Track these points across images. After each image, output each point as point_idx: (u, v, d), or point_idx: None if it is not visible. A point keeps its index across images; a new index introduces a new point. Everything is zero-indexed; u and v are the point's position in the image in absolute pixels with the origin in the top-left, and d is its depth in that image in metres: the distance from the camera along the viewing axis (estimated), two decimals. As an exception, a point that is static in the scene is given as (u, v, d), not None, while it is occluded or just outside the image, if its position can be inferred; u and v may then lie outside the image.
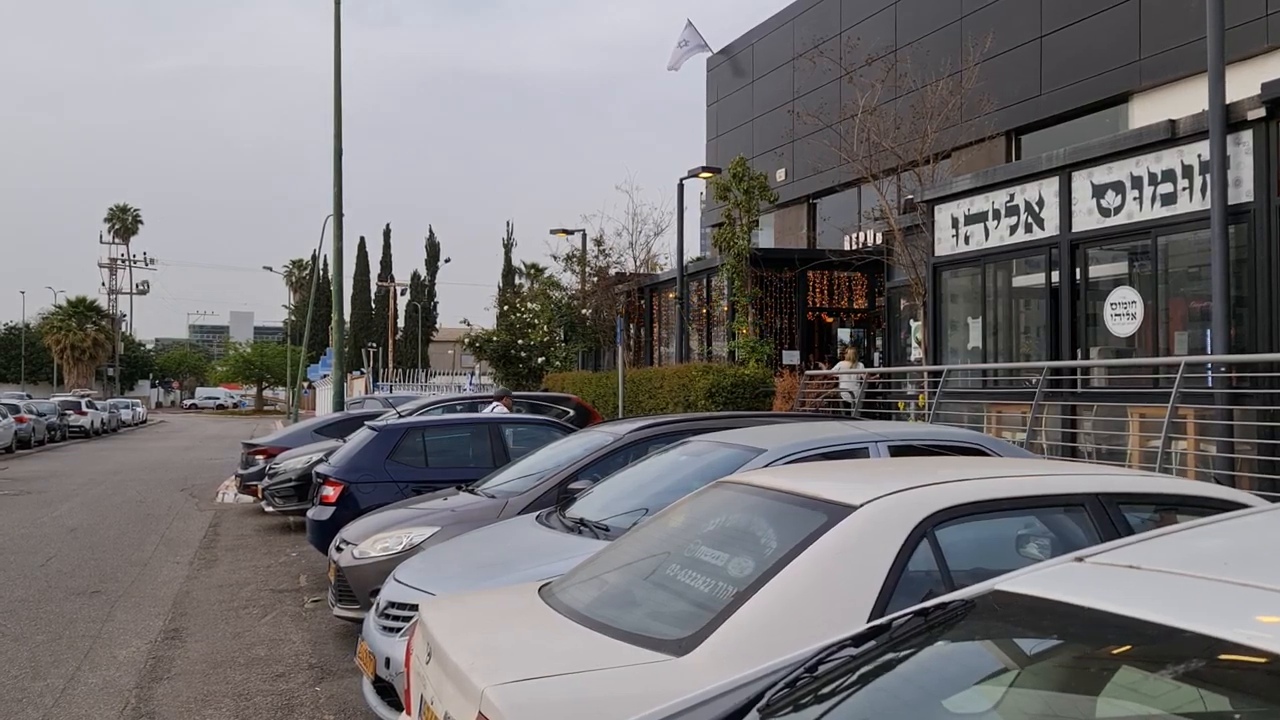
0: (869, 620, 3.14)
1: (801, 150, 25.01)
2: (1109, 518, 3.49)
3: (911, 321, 15.19)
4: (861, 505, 3.40)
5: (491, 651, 3.31)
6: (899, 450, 6.57)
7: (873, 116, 13.69)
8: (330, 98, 22.96)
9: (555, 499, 8.09)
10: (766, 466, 6.20)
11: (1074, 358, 11.18)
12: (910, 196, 16.82)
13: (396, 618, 5.84)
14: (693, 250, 34.34)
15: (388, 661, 5.60)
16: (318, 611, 9.49)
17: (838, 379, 16.10)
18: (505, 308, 31.86)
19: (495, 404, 15.41)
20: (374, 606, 6.16)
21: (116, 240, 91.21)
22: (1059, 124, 18.84)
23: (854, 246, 22.64)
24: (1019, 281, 12.46)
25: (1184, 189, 10.04)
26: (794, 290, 20.50)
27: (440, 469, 10.62)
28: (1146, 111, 16.85)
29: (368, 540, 8.16)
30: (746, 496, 4.11)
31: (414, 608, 5.78)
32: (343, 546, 8.36)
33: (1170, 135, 10.13)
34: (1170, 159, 10.21)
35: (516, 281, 64.48)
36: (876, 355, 20.52)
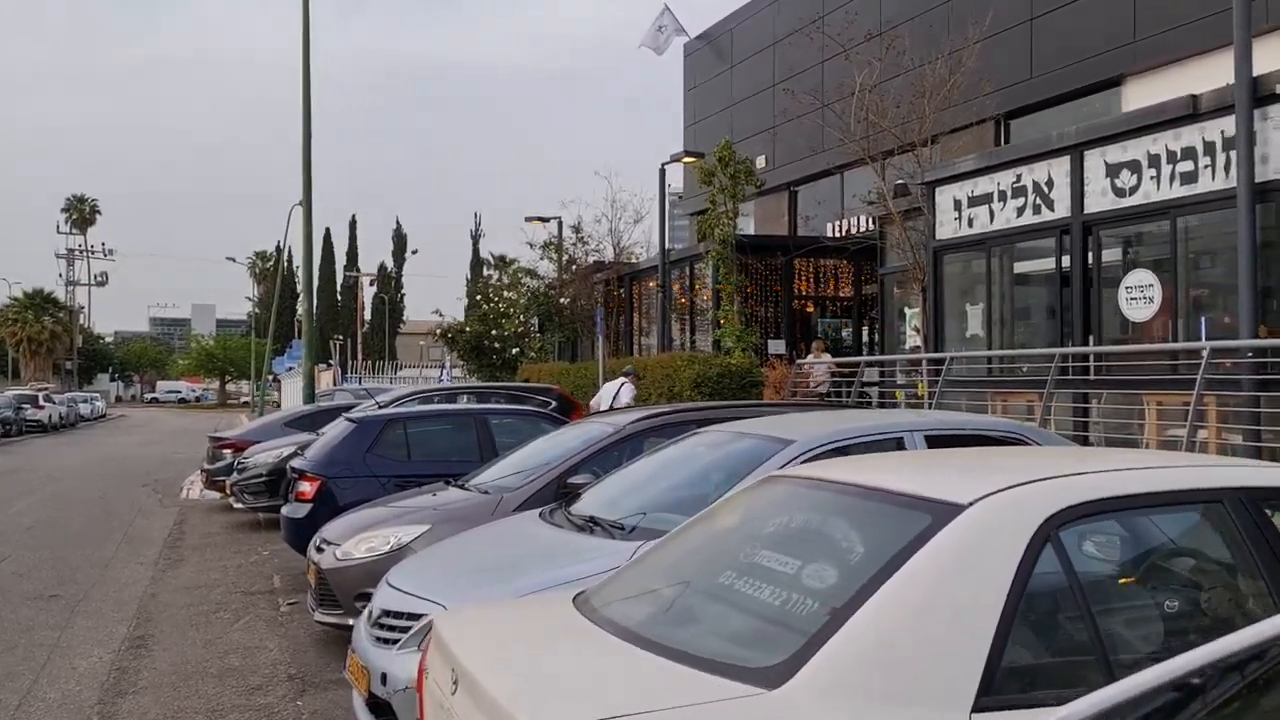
0: (991, 641, 2.60)
1: (785, 135, 24.52)
2: (1251, 517, 2.97)
3: (907, 309, 14.72)
4: (971, 504, 2.86)
5: (539, 683, 2.74)
6: (936, 441, 6.06)
7: (871, 95, 13.18)
8: (295, 83, 22.17)
9: (554, 494, 7.57)
10: (798, 459, 5.68)
11: (1085, 344, 10.74)
12: (902, 180, 16.36)
13: (393, 628, 5.25)
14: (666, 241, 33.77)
15: (384, 677, 5.01)
16: (295, 615, 8.87)
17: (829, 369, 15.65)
18: (478, 297, 31.12)
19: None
20: (366, 615, 5.57)
21: (74, 231, 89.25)
22: (1050, 108, 18.44)
23: (837, 234, 22.19)
24: (1026, 265, 12.03)
25: (1205, 167, 9.61)
26: (780, 278, 20.00)
27: (424, 463, 10.04)
28: (1140, 95, 16.46)
29: (351, 540, 7.56)
30: (813, 493, 3.56)
31: (412, 617, 5.21)
32: (324, 547, 7.75)
33: (1191, 111, 9.70)
34: (1190, 136, 9.77)
35: (485, 273, 63.69)
36: (865, 345, 20.10)
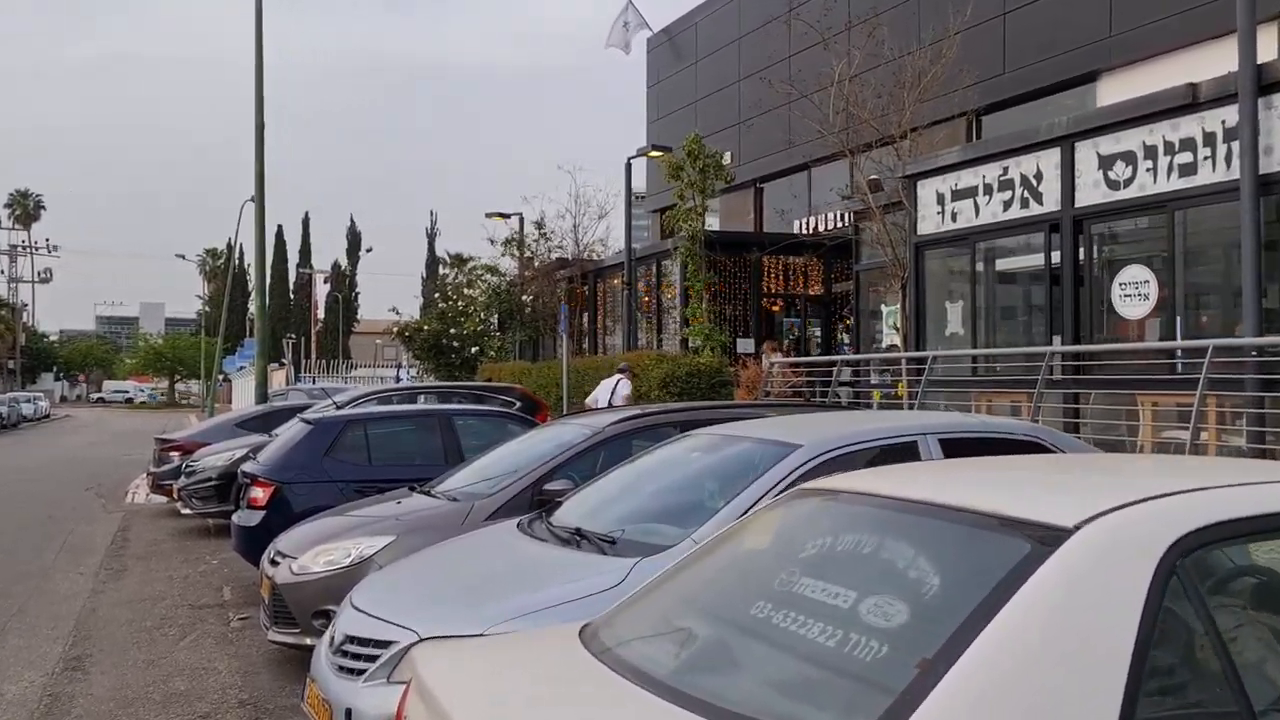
0: (1122, 698, 2.10)
1: (752, 131, 24.09)
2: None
3: (883, 306, 14.31)
4: (1078, 527, 2.36)
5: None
6: (951, 444, 5.59)
7: (851, 84, 12.74)
8: (248, 80, 21.36)
9: (530, 502, 7.04)
10: (807, 465, 5.18)
11: (1076, 343, 10.36)
12: (875, 176, 15.96)
13: (359, 656, 4.67)
14: (621, 240, 33.24)
15: (349, 713, 4.44)
16: (246, 631, 8.25)
17: (803, 369, 15.22)
18: (436, 295, 30.35)
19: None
20: (327, 640, 4.98)
21: (17, 226, 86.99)
22: (1022, 104, 18.13)
23: (806, 231, 21.78)
24: (1013, 261, 11.64)
25: (1205, 158, 9.26)
26: (749, 276, 19.52)
27: (386, 466, 9.47)
28: (1116, 91, 16.18)
29: (308, 552, 6.97)
30: (862, 510, 3.04)
31: (380, 644, 4.63)
32: (278, 559, 7.15)
33: (1190, 100, 9.35)
34: (1189, 126, 9.41)
35: (441, 271, 62.81)
36: (837, 344, 19.71)
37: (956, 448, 5.60)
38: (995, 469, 3.50)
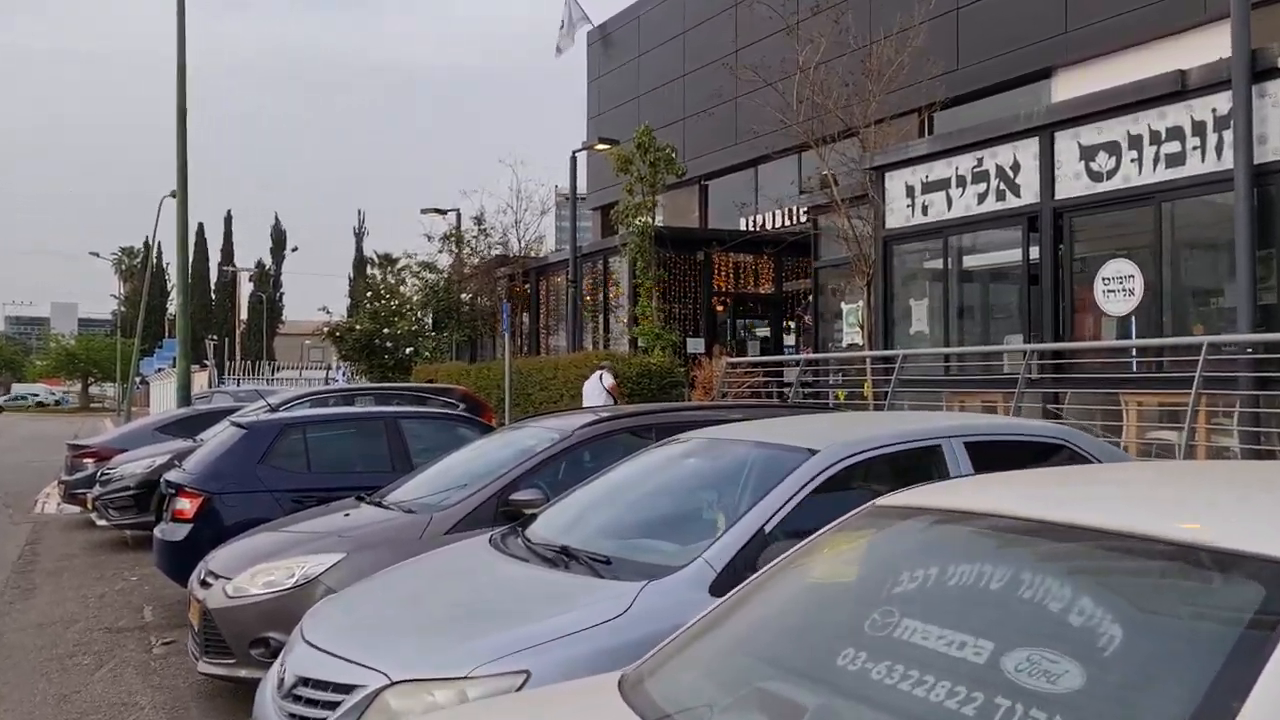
0: None
1: (696, 127, 23.56)
2: None
3: (844, 304, 13.83)
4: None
5: None
6: (977, 448, 5.03)
7: (816, 71, 12.22)
8: (167, 77, 20.20)
9: (494, 514, 6.36)
10: (826, 471, 4.57)
11: (1057, 340, 9.95)
12: (829, 171, 15.53)
13: (315, 703, 3.95)
14: (556, 240, 32.41)
15: (304, 775, 3.72)
16: (171, 658, 7.45)
17: (760, 369, 14.70)
18: (369, 294, 29.31)
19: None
20: (274, 682, 4.24)
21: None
22: (975, 100, 17.88)
23: (751, 228, 21.35)
24: (987, 256, 11.21)
25: (1194, 148, 8.89)
26: (699, 274, 18.94)
27: (327, 475, 8.67)
28: (1071, 88, 15.99)
29: (245, 573, 6.20)
30: (982, 535, 2.42)
31: (342, 688, 3.89)
32: (210, 580, 6.36)
33: (1178, 87, 8.97)
34: (1177, 114, 9.04)
35: (369, 272, 61.54)
36: (791, 344, 19.23)
37: (983, 452, 5.05)
38: (1161, 479, 2.87)
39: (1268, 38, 9.05)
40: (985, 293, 11.65)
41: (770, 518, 4.38)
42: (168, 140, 20.00)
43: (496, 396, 19.53)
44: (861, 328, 12.74)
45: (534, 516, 5.46)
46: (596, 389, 15.57)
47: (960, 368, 11.29)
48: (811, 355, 13.14)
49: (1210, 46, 12.17)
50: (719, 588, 4.13)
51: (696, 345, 18.22)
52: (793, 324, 19.87)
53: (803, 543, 2.87)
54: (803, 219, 20.85)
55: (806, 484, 4.52)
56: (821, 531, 2.84)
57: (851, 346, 13.68)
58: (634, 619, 3.96)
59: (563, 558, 4.57)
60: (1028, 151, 10.29)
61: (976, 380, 10.79)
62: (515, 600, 4.28)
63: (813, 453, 4.67)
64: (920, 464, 4.93)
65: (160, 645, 7.81)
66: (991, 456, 5.16)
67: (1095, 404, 9.63)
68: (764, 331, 20.64)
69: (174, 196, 21.67)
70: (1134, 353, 9.64)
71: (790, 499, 4.46)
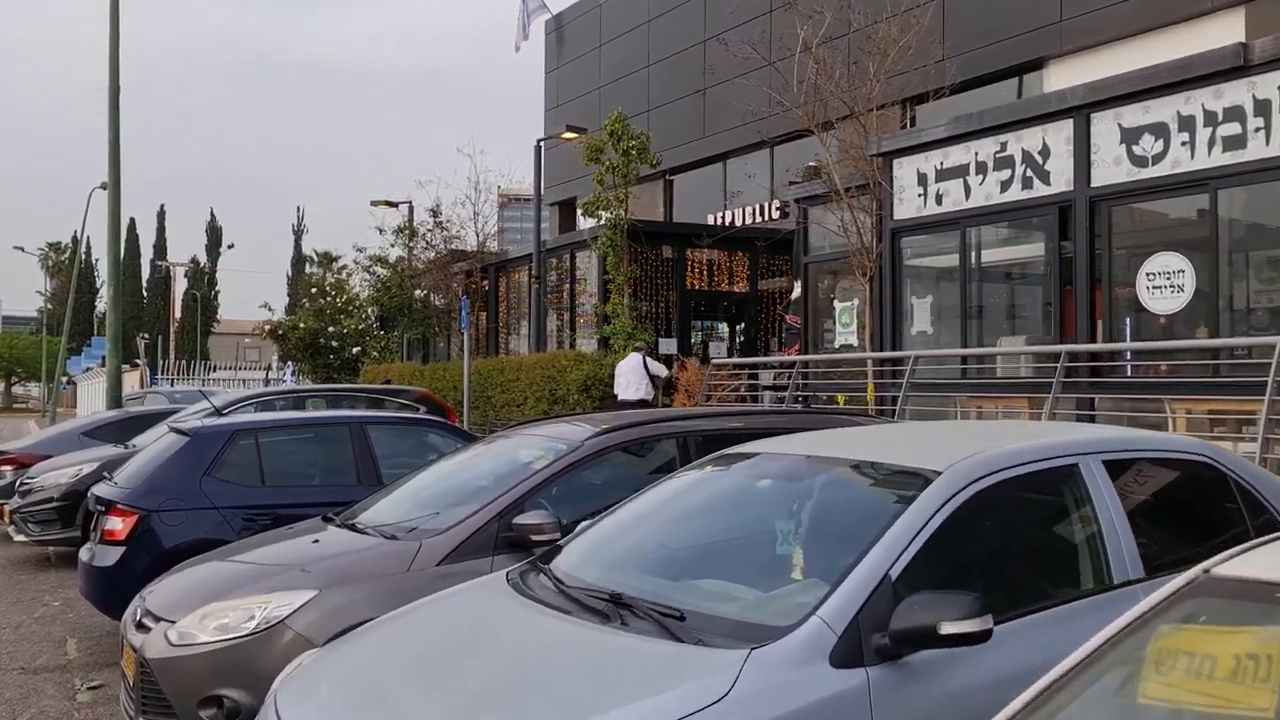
0: None
1: (666, 118, 22.58)
2: None
3: (837, 302, 12.92)
4: None
5: None
6: (1116, 466, 4.07)
7: (819, 50, 11.30)
8: (96, 61, 18.76)
9: (495, 541, 5.31)
10: (953, 499, 3.55)
11: (1093, 340, 9.09)
12: (814, 163, 14.63)
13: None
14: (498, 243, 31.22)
15: None
16: (99, 706, 6.37)
17: (745, 372, 13.76)
18: (314, 290, 27.86)
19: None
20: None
21: None
22: (963, 92, 17.10)
23: (722, 224, 20.45)
24: (1012, 249, 10.34)
25: (1257, 129, 8.08)
26: (670, 271, 17.92)
27: (285, 489, 7.53)
28: (1064, 80, 15.28)
29: (193, 615, 5.09)
30: None
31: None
32: (148, 623, 5.21)
33: (1240, 62, 8.16)
34: (1237, 92, 8.23)
35: (307, 270, 59.79)
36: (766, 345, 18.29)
37: (1122, 470, 4.10)
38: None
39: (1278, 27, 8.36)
40: (1007, 289, 10.79)
41: (895, 560, 3.37)
42: (99, 133, 18.58)
43: (454, 399, 18.36)
44: (863, 327, 11.83)
45: (557, 548, 4.39)
46: (637, 373, 14.29)
47: (980, 370, 10.40)
48: (811, 357, 12.22)
49: (1214, 37, 11.50)
50: (842, 658, 3.12)
51: (669, 345, 17.22)
52: (787, 323, 18.95)
53: (1099, 636, 1.84)
54: (775, 215, 20.05)
55: (934, 515, 3.52)
56: (1138, 614, 1.82)
57: (844, 347, 12.77)
58: (742, 704, 2.92)
59: (615, 609, 3.50)
60: (1059, 135, 9.43)
61: (999, 384, 9.91)
62: (570, 674, 3.20)
63: (934, 475, 3.66)
64: (1058, 488, 3.96)
65: (85, 690, 6.66)
66: (1133, 476, 4.23)
67: (1133, 411, 8.79)
68: (724, 332, 19.75)
69: (104, 188, 20.39)
70: (1177, 356, 8.82)
71: (917, 535, 3.45)
